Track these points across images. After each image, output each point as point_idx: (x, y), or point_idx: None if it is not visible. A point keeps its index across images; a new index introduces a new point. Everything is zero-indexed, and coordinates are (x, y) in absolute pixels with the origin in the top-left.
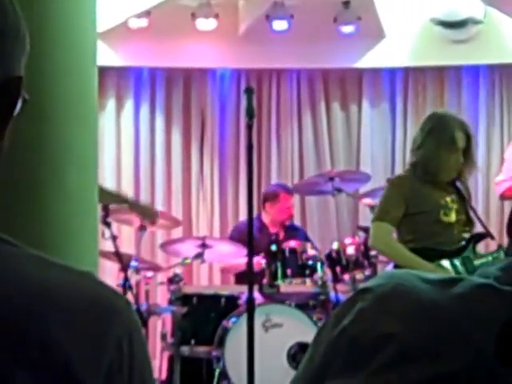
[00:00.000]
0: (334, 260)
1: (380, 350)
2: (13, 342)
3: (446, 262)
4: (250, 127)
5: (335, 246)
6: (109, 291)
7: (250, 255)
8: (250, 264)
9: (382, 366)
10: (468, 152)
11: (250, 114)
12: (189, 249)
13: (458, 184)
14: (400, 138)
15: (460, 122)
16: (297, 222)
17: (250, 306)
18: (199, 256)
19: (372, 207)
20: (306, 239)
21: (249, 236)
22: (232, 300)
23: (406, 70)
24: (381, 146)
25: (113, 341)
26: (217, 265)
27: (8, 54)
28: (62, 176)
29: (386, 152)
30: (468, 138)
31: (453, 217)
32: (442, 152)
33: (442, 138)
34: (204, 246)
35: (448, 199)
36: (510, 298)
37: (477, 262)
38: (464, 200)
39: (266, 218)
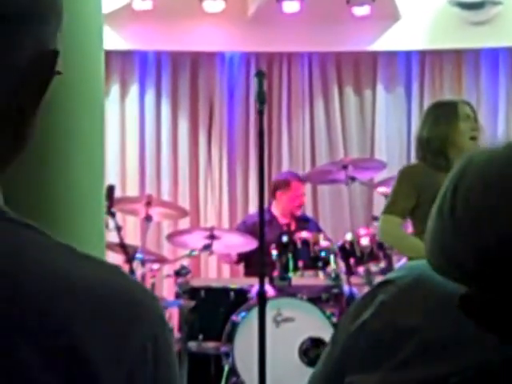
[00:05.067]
0: (348, 252)
1: (402, 345)
2: (32, 339)
3: None
4: (260, 113)
5: (349, 237)
6: (137, 287)
7: (261, 246)
8: (261, 256)
9: (403, 360)
10: (475, 122)
11: (260, 99)
12: (196, 240)
13: None
14: (416, 124)
15: (459, 98)
16: (308, 212)
17: (262, 300)
18: (207, 247)
19: (387, 196)
20: (318, 230)
21: (260, 226)
22: (241, 293)
23: (423, 53)
24: (396, 132)
25: (138, 340)
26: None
27: (44, 27)
28: (68, 163)
29: (402, 139)
30: (472, 110)
31: None
32: (457, 122)
33: (450, 111)
34: (212, 237)
35: None
36: None
37: None
38: None
39: (275, 209)
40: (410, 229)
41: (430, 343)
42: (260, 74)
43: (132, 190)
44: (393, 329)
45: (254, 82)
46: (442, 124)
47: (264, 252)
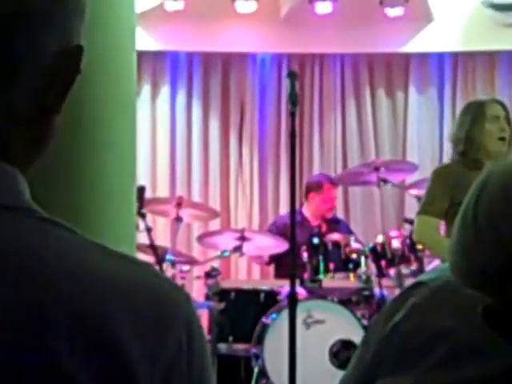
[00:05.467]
0: (379, 254)
1: (434, 347)
2: (69, 340)
3: None
4: (292, 114)
5: (380, 239)
6: (170, 285)
7: (293, 248)
8: (292, 258)
9: (437, 363)
10: (507, 122)
11: (292, 100)
12: (227, 241)
13: None
14: (448, 127)
15: (490, 98)
16: (339, 214)
17: (293, 301)
18: (238, 249)
19: (419, 198)
20: (349, 232)
21: (291, 227)
22: (272, 295)
23: (456, 55)
24: (428, 134)
25: (173, 339)
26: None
27: (67, 24)
28: (100, 164)
29: (434, 141)
30: (504, 109)
31: None
32: (483, 123)
33: (477, 111)
34: (243, 238)
35: None
36: None
37: None
38: None
39: (307, 211)
40: (442, 230)
41: (463, 345)
42: (292, 75)
43: (162, 191)
44: (425, 331)
45: (285, 82)
46: (468, 125)
47: (295, 254)
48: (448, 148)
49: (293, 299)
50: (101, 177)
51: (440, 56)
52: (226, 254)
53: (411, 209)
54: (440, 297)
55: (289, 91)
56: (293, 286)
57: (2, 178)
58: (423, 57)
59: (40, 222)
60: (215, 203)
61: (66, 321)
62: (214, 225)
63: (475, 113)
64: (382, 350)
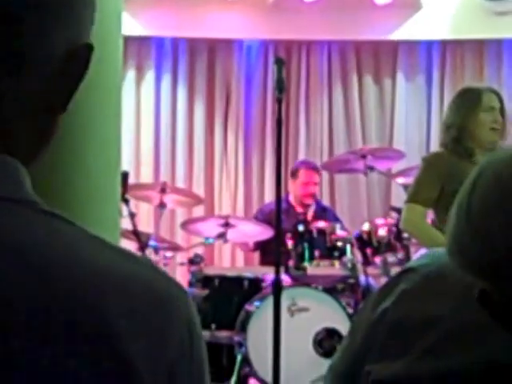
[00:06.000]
0: (365, 242)
1: (424, 334)
2: (66, 332)
3: None
4: (279, 101)
5: (366, 227)
6: (168, 280)
7: (279, 235)
8: (277, 245)
9: (428, 349)
10: (501, 114)
11: (279, 87)
12: (211, 228)
13: None
14: (436, 114)
15: (487, 86)
16: (325, 201)
17: (278, 289)
18: (222, 236)
19: (406, 187)
20: (336, 220)
21: (277, 214)
22: (256, 282)
23: (444, 43)
24: (415, 122)
25: (175, 337)
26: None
27: (77, 22)
28: (84, 149)
29: (421, 129)
30: (500, 100)
31: None
32: (477, 112)
33: (473, 99)
34: (227, 225)
35: None
36: None
37: None
38: None
39: (292, 198)
40: (429, 219)
41: (454, 332)
42: (279, 62)
43: (146, 177)
44: (415, 317)
45: (272, 69)
46: (462, 112)
47: (280, 241)
48: (435, 136)
49: (278, 287)
50: (85, 161)
51: (428, 44)
52: (210, 240)
53: (398, 197)
54: (430, 284)
55: (276, 78)
56: (278, 273)
57: (3, 169)
58: (411, 44)
59: (39, 213)
60: (199, 189)
61: (63, 314)
62: (198, 211)
63: (471, 101)
64: (371, 336)
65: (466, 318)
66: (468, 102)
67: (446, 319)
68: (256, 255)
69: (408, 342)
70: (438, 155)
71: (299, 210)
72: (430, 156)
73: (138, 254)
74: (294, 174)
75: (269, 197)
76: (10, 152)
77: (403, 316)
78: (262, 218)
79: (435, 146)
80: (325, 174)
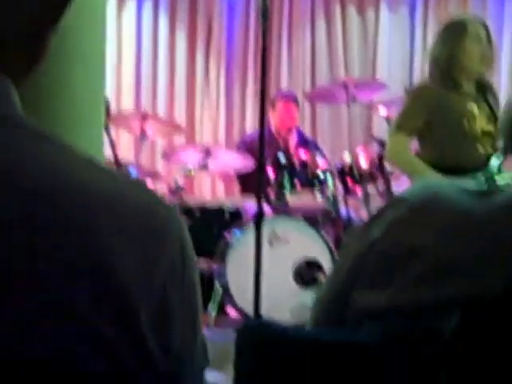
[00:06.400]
0: (346, 173)
1: (412, 263)
2: (57, 254)
3: (467, 179)
4: (264, 29)
5: (347, 158)
6: (161, 203)
7: (261, 165)
8: (260, 175)
9: (414, 279)
10: (488, 45)
11: (264, 15)
12: (192, 157)
13: (488, 94)
14: (419, 46)
15: (473, 17)
16: (307, 131)
17: (259, 219)
18: (203, 165)
19: (388, 118)
20: (317, 150)
21: (260, 144)
22: (237, 213)
23: None
24: (398, 53)
25: (167, 256)
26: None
27: None
28: (69, 77)
29: (404, 60)
30: (486, 30)
31: (479, 127)
32: (465, 43)
33: (460, 30)
34: (208, 154)
35: (474, 108)
36: None
37: (498, 178)
38: (492, 109)
39: (273, 129)
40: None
41: (442, 263)
42: None
43: (127, 106)
44: (403, 247)
45: None
46: (449, 44)
47: (263, 171)
48: (418, 68)
49: (260, 217)
50: (69, 89)
51: None
52: (191, 170)
53: (379, 128)
54: (420, 214)
55: (260, 6)
56: (260, 203)
57: None
58: None
59: (30, 134)
60: (181, 119)
61: (51, 237)
62: (179, 140)
63: (458, 31)
64: (359, 265)
65: (456, 249)
66: (454, 32)
67: (435, 249)
68: (236, 185)
69: (393, 273)
70: (426, 86)
71: (281, 140)
72: (418, 87)
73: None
74: (273, 105)
75: (250, 126)
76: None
77: (390, 246)
78: (244, 147)
79: (418, 78)
80: (307, 105)
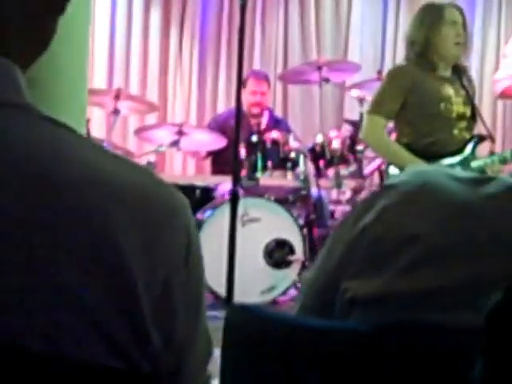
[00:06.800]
0: (318, 154)
1: (404, 251)
2: (68, 243)
3: (444, 162)
4: (243, 7)
5: (319, 139)
6: (170, 191)
7: (236, 145)
8: (235, 154)
9: (406, 267)
10: (463, 28)
11: None
12: (164, 136)
13: (463, 77)
14: (391, 28)
15: (450, 1)
16: (278, 112)
17: (234, 199)
18: (175, 144)
19: (360, 99)
20: (289, 131)
21: (236, 124)
22: (208, 192)
23: None
24: (371, 35)
25: (174, 244)
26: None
27: None
28: (52, 54)
29: (376, 42)
30: (462, 15)
31: (455, 110)
32: (441, 27)
33: (436, 15)
34: (181, 133)
35: (451, 91)
36: None
37: (474, 165)
38: (467, 93)
39: (245, 108)
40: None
41: (434, 251)
42: None
43: (100, 83)
44: (395, 234)
45: None
46: (425, 27)
47: (237, 151)
48: (390, 50)
49: (234, 197)
50: (53, 66)
51: None
52: (163, 148)
53: (351, 110)
54: (412, 200)
55: None
56: (235, 183)
57: (2, 73)
58: None
59: (40, 119)
60: (153, 97)
61: (64, 227)
62: (151, 119)
63: (434, 16)
64: (350, 252)
65: (448, 236)
66: (431, 16)
67: (427, 237)
68: (207, 164)
69: (386, 260)
70: (402, 68)
71: (253, 120)
72: (394, 69)
73: None
74: (244, 83)
75: (222, 105)
76: (7, 54)
77: (382, 233)
78: (216, 126)
79: (390, 60)
80: (278, 85)
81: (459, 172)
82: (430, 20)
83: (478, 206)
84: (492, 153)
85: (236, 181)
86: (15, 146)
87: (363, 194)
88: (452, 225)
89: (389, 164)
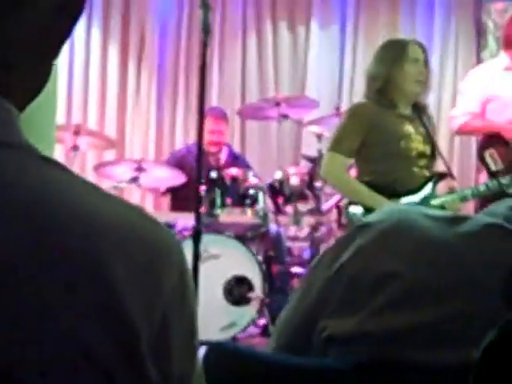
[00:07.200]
0: (277, 190)
1: (381, 290)
2: (64, 277)
3: (404, 201)
4: (205, 45)
5: (278, 175)
6: (162, 229)
7: (198, 181)
8: (196, 191)
9: (382, 306)
10: (425, 66)
11: (205, 30)
12: (123, 172)
13: (423, 115)
14: (349, 64)
15: (412, 38)
16: (236, 147)
17: (197, 236)
18: (134, 180)
19: (318, 135)
20: (247, 167)
21: (198, 161)
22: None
23: None
24: (328, 70)
25: (168, 286)
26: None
27: None
28: None
29: (334, 78)
30: (424, 52)
31: (415, 148)
32: (403, 64)
33: (398, 51)
34: (140, 169)
35: (411, 129)
36: None
37: (434, 203)
38: (427, 131)
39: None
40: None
41: (411, 290)
42: (205, 6)
43: (59, 118)
44: (371, 273)
45: (199, 13)
46: (388, 63)
47: (194, 187)
48: (347, 86)
49: (197, 235)
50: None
51: None
52: (123, 184)
53: (309, 146)
54: (387, 239)
55: (202, 22)
56: (198, 220)
57: (4, 115)
58: None
59: (39, 161)
60: (111, 133)
61: (58, 268)
62: (109, 155)
63: (397, 52)
64: (327, 290)
65: (424, 275)
66: (393, 53)
67: (403, 275)
68: (165, 200)
69: (363, 299)
70: (362, 105)
71: (211, 157)
72: (354, 106)
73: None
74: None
75: (179, 141)
76: (5, 95)
77: (359, 271)
78: (174, 162)
79: (347, 96)
80: (237, 121)
81: (433, 211)
82: (392, 56)
83: (455, 245)
84: (452, 190)
85: (198, 218)
86: (5, 187)
87: (321, 231)
88: (429, 263)
89: (349, 202)
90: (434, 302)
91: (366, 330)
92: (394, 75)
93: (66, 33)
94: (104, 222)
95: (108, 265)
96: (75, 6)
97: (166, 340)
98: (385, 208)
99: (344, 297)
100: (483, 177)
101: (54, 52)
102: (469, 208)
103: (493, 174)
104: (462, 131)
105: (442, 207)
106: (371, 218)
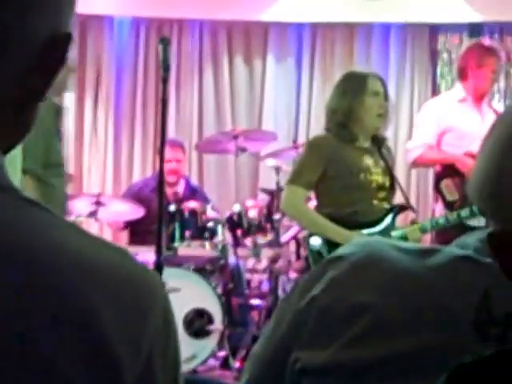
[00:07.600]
0: (235, 223)
1: (353, 322)
2: (50, 316)
3: (363, 233)
4: (164, 81)
5: (237, 208)
6: (145, 270)
7: (160, 215)
8: (159, 225)
9: (354, 338)
10: (385, 99)
11: (165, 66)
12: (82, 206)
13: (382, 148)
14: (305, 97)
15: (372, 71)
16: (194, 181)
17: (160, 270)
18: (93, 214)
19: (276, 168)
20: (205, 200)
21: (159, 194)
22: None
23: (315, 26)
24: (285, 104)
25: (152, 326)
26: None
27: (58, 10)
28: None
29: (290, 111)
30: (383, 86)
31: (374, 181)
32: (364, 97)
33: (359, 84)
34: (98, 203)
35: (370, 162)
36: (490, 269)
37: (394, 234)
38: (386, 164)
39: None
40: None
41: (382, 321)
42: (164, 41)
43: None
44: (344, 305)
45: (158, 48)
46: (348, 97)
47: (151, 221)
48: (304, 119)
49: (159, 269)
50: None
51: (299, 26)
52: (81, 218)
53: (267, 178)
54: (360, 271)
55: (161, 57)
56: (159, 253)
57: None
58: (282, 26)
59: (24, 203)
60: (69, 167)
61: (48, 309)
62: (67, 189)
63: (357, 85)
64: (298, 323)
65: (396, 306)
66: (354, 86)
67: (376, 307)
68: (124, 234)
69: (336, 331)
70: (322, 138)
71: (169, 189)
72: (314, 139)
73: None
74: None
75: (137, 175)
76: None
77: (331, 304)
78: (131, 196)
79: (303, 129)
80: (194, 155)
81: (404, 243)
82: (353, 89)
83: (425, 278)
84: (414, 222)
85: (160, 252)
86: (3, 226)
87: (280, 263)
88: (400, 294)
89: (310, 234)
90: (403, 333)
91: (339, 362)
92: (355, 108)
93: (47, 80)
94: (88, 261)
95: (93, 303)
96: (56, 57)
97: (151, 377)
98: (356, 241)
99: (316, 328)
100: (439, 207)
101: (36, 97)
102: (425, 237)
103: (449, 204)
104: (418, 163)
105: (402, 238)
106: (343, 250)
